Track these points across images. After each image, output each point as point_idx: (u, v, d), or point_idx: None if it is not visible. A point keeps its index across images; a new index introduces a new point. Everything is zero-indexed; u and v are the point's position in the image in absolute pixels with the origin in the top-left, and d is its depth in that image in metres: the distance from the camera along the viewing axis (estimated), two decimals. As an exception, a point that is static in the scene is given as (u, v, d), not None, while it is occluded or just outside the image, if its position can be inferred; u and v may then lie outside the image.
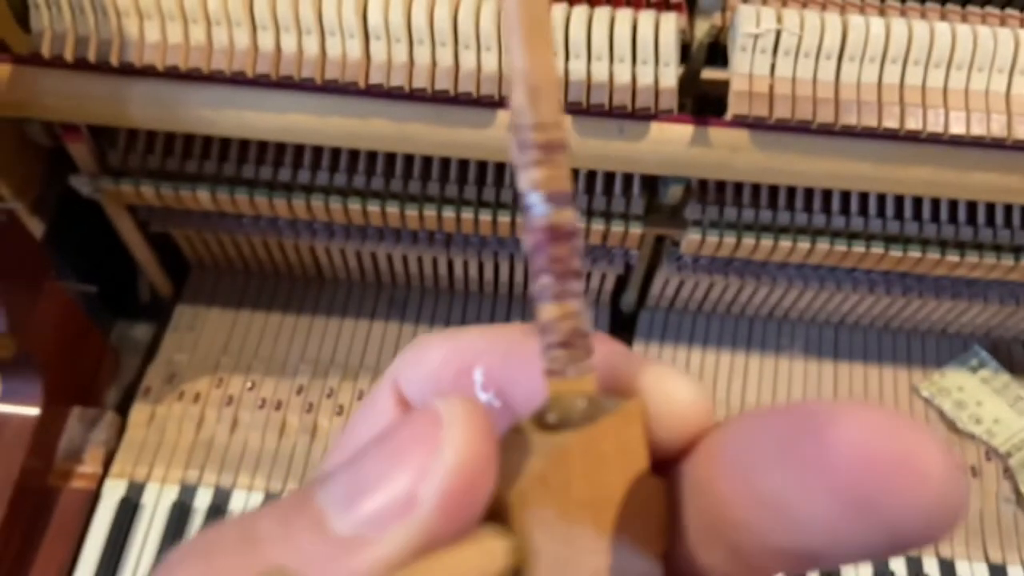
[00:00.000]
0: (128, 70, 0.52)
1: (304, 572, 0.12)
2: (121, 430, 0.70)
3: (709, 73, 0.56)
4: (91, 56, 0.52)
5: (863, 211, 0.61)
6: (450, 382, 0.17)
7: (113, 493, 0.67)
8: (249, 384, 0.72)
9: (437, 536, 0.12)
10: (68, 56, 0.52)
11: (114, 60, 0.52)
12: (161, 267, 0.75)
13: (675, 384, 0.15)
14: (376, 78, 0.52)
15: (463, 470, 0.12)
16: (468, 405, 0.13)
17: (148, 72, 0.53)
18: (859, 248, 0.61)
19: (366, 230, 0.67)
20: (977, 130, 0.52)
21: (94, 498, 0.66)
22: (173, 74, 0.53)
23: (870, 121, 0.52)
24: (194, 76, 0.52)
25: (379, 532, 0.12)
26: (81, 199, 0.64)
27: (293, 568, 0.12)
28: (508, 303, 0.78)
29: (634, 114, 0.53)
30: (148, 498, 0.67)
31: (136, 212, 0.67)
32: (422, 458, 0.12)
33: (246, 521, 0.14)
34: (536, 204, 0.14)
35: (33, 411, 0.64)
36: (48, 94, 0.54)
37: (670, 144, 0.54)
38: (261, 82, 0.53)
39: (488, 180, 0.62)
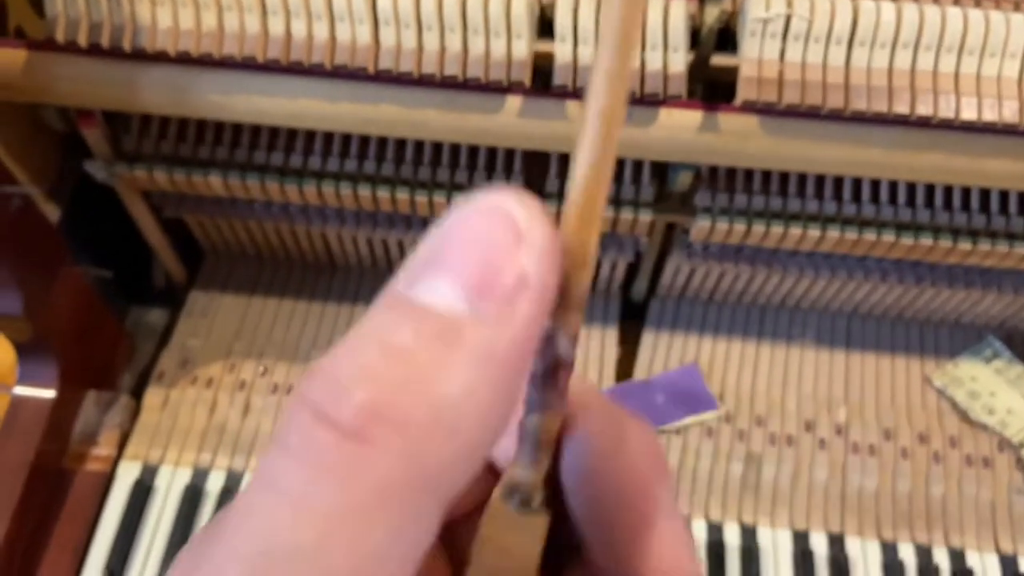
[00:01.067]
0: (141, 55, 0.53)
1: (477, 349, 0.14)
2: (135, 414, 0.71)
3: (719, 59, 0.55)
4: (104, 41, 0.52)
5: (874, 198, 0.61)
6: None
7: (127, 475, 0.68)
8: (261, 369, 0.73)
9: (544, 306, 0.15)
10: (82, 41, 0.52)
11: (127, 45, 0.52)
12: (175, 253, 0.75)
13: None
14: (385, 63, 0.52)
15: (551, 251, 0.15)
16: (530, 200, 0.15)
17: (160, 57, 0.53)
18: (870, 236, 0.61)
19: (376, 216, 0.67)
20: (989, 116, 0.51)
21: (108, 480, 0.67)
22: (185, 59, 0.53)
23: (880, 107, 0.51)
24: (206, 61, 0.53)
25: (512, 308, 0.14)
26: (96, 185, 0.64)
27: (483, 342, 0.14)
28: (519, 291, 0.78)
29: (643, 100, 0.53)
30: (161, 481, 0.68)
31: (150, 197, 0.68)
32: (516, 248, 0.15)
33: (405, 338, 0.14)
34: (567, 347, 0.17)
35: (49, 394, 0.65)
36: (62, 79, 0.55)
37: (679, 130, 0.54)
38: (271, 67, 0.53)
39: (498, 167, 0.62)
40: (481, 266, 0.14)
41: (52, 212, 0.65)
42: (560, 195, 0.63)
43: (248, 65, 0.53)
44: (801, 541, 0.67)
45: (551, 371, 0.17)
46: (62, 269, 0.65)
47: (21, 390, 0.65)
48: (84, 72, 0.55)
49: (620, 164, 0.62)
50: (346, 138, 0.62)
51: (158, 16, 0.52)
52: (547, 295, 0.15)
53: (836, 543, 0.67)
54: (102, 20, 0.52)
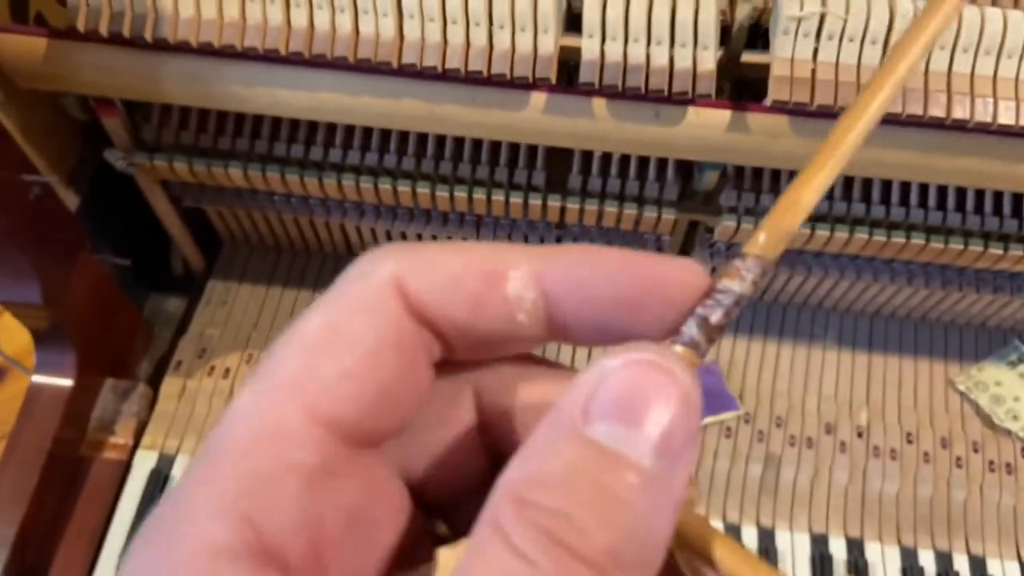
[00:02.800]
0: (162, 46, 0.52)
1: (667, 498, 0.16)
2: (153, 402, 0.71)
3: (749, 57, 0.54)
4: (125, 31, 0.52)
5: (904, 200, 0.60)
6: (476, 287, 0.19)
7: (144, 464, 0.68)
8: (278, 360, 0.73)
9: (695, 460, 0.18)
10: (103, 31, 0.52)
11: (148, 35, 0.52)
12: (194, 242, 0.75)
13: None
14: (409, 57, 0.51)
15: (699, 413, 0.17)
16: (689, 369, 0.17)
17: (182, 48, 0.52)
18: (899, 239, 0.60)
19: (397, 210, 0.67)
20: (1027, 120, 0.50)
21: (125, 469, 0.67)
22: (207, 50, 0.52)
23: (915, 109, 0.50)
24: (227, 53, 0.52)
25: (675, 468, 0.16)
26: (116, 173, 0.64)
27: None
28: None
29: (671, 98, 0.52)
30: (178, 470, 0.68)
31: (169, 187, 0.68)
32: (687, 409, 0.17)
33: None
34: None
35: (66, 382, 0.65)
36: (83, 68, 0.54)
37: (707, 129, 0.53)
38: (294, 60, 0.52)
39: (520, 162, 0.61)
40: (666, 426, 0.16)
41: (71, 200, 0.64)
42: (583, 193, 0.62)
43: (270, 57, 0.52)
44: (819, 545, 0.66)
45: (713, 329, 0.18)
46: (81, 256, 0.65)
47: (39, 378, 0.65)
48: (105, 61, 0.54)
49: (644, 161, 0.61)
50: (367, 131, 0.61)
51: (180, 6, 0.51)
52: (691, 467, 0.17)
53: (855, 547, 0.66)
54: (123, 9, 0.52)
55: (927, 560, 0.66)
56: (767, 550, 0.66)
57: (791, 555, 0.66)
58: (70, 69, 0.55)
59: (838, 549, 0.66)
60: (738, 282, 0.19)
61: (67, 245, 0.64)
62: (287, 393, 0.17)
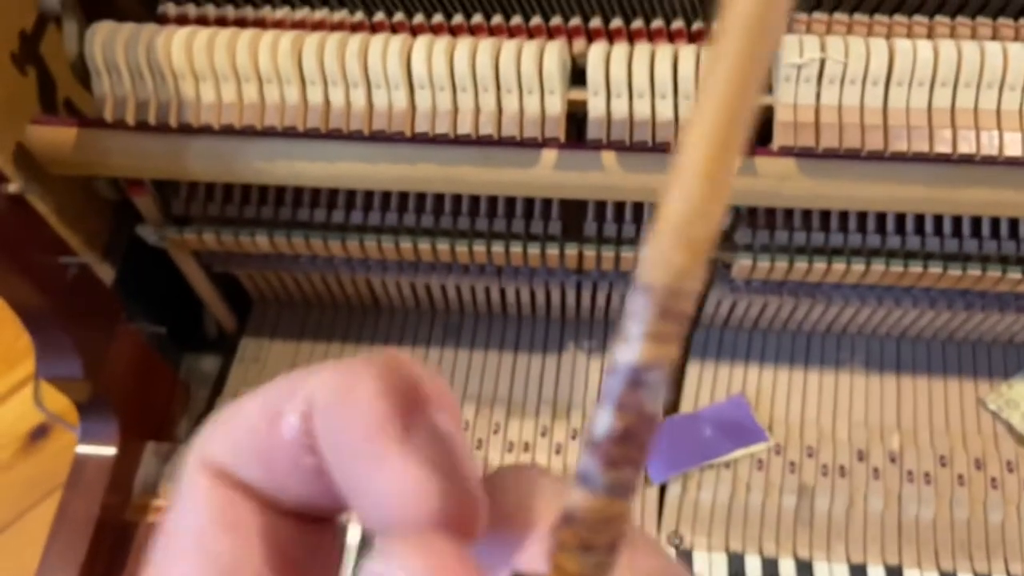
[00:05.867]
0: (186, 130, 0.54)
1: None
2: (193, 463, 0.72)
3: (754, 102, 0.55)
4: (151, 118, 0.54)
5: (919, 230, 0.60)
6: (265, 434, 0.16)
7: (188, 525, 0.69)
8: (313, 415, 0.74)
9: None
10: (129, 119, 0.54)
11: (172, 121, 0.54)
12: (225, 303, 0.77)
13: None
14: (422, 126, 0.53)
15: None
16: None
17: (205, 130, 0.54)
18: (916, 268, 0.60)
19: (418, 265, 0.68)
20: (1034, 150, 0.50)
21: (170, 531, 0.69)
22: (229, 131, 0.54)
23: (921, 147, 0.51)
24: (248, 132, 0.54)
25: None
26: (148, 245, 0.66)
27: None
28: (561, 326, 0.78)
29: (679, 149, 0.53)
30: (221, 529, 0.69)
31: (200, 256, 0.70)
32: None
33: None
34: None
35: (110, 450, 0.67)
36: (112, 154, 0.57)
37: (716, 175, 0.54)
38: (312, 134, 0.54)
39: (535, 214, 0.63)
40: None
41: (107, 274, 0.67)
42: (599, 239, 0.63)
43: (289, 133, 0.54)
44: (858, 574, 0.66)
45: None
46: (118, 327, 0.67)
47: (84, 448, 0.67)
48: (132, 146, 0.56)
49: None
50: (386, 193, 0.63)
51: (201, 91, 0.54)
52: None
53: (894, 575, 0.66)
54: (148, 98, 0.54)
55: (967, 583, 0.66)
56: (805, 581, 0.66)
57: (830, 585, 0.66)
58: (100, 155, 0.57)
59: (877, 577, 0.66)
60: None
61: (105, 318, 0.66)
62: None
